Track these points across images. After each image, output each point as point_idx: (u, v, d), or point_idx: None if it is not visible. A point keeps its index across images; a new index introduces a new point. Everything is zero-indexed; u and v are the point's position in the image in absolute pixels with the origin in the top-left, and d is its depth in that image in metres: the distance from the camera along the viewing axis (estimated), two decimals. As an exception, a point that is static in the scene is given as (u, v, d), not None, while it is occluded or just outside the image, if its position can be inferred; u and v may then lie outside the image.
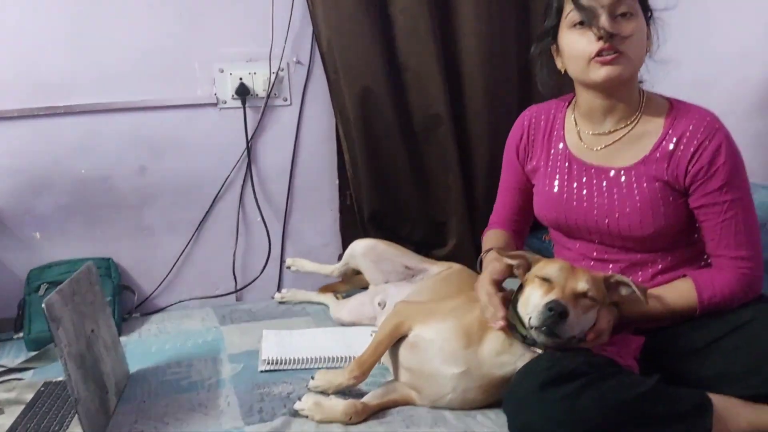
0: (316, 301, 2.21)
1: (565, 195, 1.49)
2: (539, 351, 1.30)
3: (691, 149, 1.36)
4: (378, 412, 1.40)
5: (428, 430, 1.28)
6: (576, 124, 1.52)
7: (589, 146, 1.48)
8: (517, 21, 2.34)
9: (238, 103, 2.25)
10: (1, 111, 2.07)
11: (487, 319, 1.34)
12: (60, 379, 1.62)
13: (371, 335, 1.58)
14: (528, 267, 1.37)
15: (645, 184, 1.40)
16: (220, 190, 2.29)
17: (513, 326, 1.33)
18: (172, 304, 2.31)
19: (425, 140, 2.31)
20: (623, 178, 1.42)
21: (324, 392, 1.45)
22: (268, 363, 1.64)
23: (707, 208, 1.38)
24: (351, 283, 2.21)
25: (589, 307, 1.28)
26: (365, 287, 2.05)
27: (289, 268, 2.25)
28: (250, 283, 2.37)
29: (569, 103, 1.57)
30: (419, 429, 1.29)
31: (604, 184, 1.45)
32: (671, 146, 1.38)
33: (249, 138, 2.28)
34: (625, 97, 1.43)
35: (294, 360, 1.65)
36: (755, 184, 1.70)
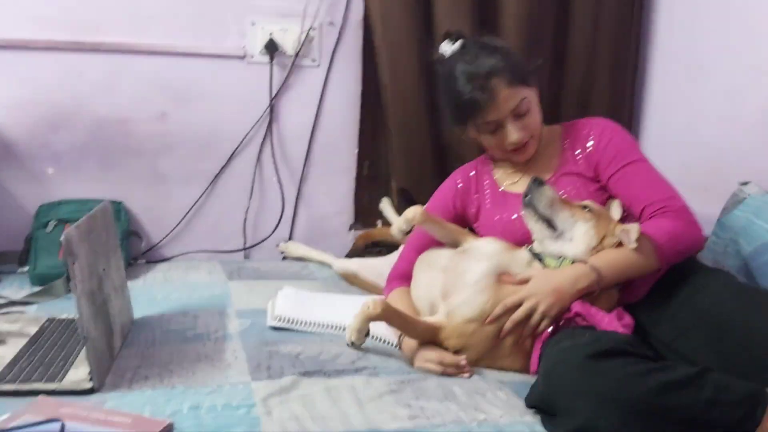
0: (316, 258, 2.22)
1: (506, 214, 1.67)
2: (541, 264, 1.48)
3: (586, 143, 1.64)
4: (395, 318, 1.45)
5: (438, 404, 1.27)
6: (496, 170, 1.77)
7: (511, 182, 1.73)
8: (557, 4, 2.34)
9: (266, 59, 2.21)
10: (28, 41, 2.04)
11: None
12: (64, 316, 1.60)
13: None
14: None
15: (564, 180, 1.64)
16: (239, 146, 2.26)
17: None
18: (178, 255, 2.29)
19: None
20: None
21: None
22: (280, 320, 1.61)
23: (618, 174, 1.58)
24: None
25: (586, 217, 1.46)
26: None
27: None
28: (259, 242, 2.34)
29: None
30: (428, 402, 1.27)
31: None
32: (570, 152, 1.66)
33: (273, 96, 2.24)
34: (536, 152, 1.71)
35: (306, 322, 1.61)
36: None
